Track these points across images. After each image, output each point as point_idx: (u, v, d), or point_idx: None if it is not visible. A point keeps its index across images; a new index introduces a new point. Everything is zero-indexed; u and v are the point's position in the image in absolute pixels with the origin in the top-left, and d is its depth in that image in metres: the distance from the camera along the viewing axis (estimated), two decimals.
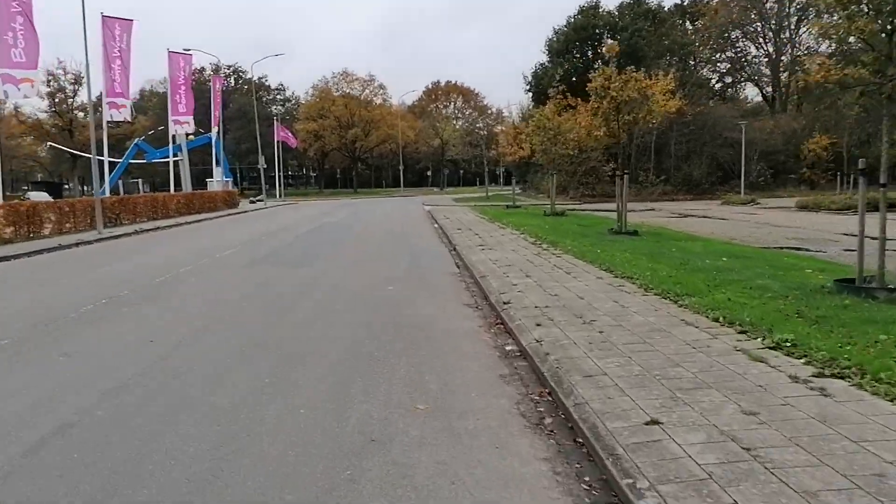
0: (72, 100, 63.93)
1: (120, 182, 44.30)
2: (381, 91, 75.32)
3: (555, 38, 45.85)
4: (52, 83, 60.97)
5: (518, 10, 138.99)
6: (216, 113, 36.00)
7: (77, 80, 62.49)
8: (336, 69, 78.58)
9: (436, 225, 19.20)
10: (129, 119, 30.33)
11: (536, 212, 25.59)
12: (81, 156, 52.31)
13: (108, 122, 31.29)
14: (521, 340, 5.96)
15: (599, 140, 17.76)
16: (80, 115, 66.50)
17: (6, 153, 55.57)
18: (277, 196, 62.35)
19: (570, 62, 44.97)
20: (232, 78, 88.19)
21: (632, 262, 10.67)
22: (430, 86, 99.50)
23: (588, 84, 16.87)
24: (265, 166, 42.26)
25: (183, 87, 35.02)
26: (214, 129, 35.50)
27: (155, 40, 66.66)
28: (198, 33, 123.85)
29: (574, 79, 45.15)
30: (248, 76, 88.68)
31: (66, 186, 67.52)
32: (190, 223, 23.78)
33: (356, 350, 5.99)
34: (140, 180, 44.53)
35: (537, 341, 5.74)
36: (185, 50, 35.57)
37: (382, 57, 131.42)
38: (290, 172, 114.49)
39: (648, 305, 7.12)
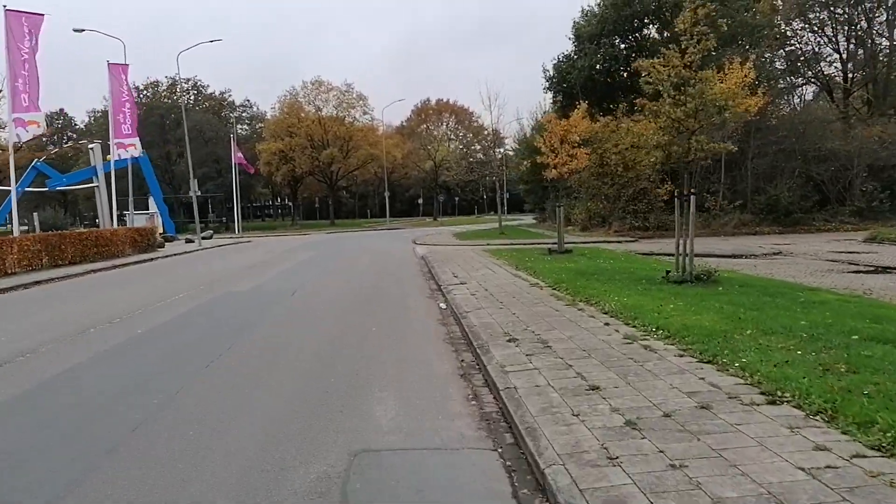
0: None
1: (26, 216, 40.98)
2: (362, 103, 72.67)
3: (584, 22, 41.96)
4: None
5: (529, 38, 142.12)
6: (130, 119, 32.60)
7: None
8: (307, 78, 75.54)
9: (442, 305, 12.15)
10: (40, 135, 27.11)
11: (632, 267, 16.03)
12: None
13: (16, 143, 28.37)
14: None
15: (652, 156, 13.93)
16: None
17: None
18: (236, 231, 59.28)
19: (606, 51, 40.79)
20: (191, 94, 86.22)
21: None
22: (419, 104, 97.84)
23: (642, 75, 13.44)
24: (198, 193, 38.95)
25: (127, 104, 32.36)
26: (130, 147, 31.97)
27: (163, 64, 64.50)
28: (208, 57, 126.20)
29: (608, 74, 41.83)
30: (210, 91, 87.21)
31: None
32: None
33: None
34: (36, 214, 41.10)
35: None
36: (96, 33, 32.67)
37: (392, 81, 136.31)
38: (265, 203, 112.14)
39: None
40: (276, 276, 18.45)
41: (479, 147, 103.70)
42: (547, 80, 45.26)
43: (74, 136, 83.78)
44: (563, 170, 21.08)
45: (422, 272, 18.96)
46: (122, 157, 32.18)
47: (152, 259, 27.78)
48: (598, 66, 41.77)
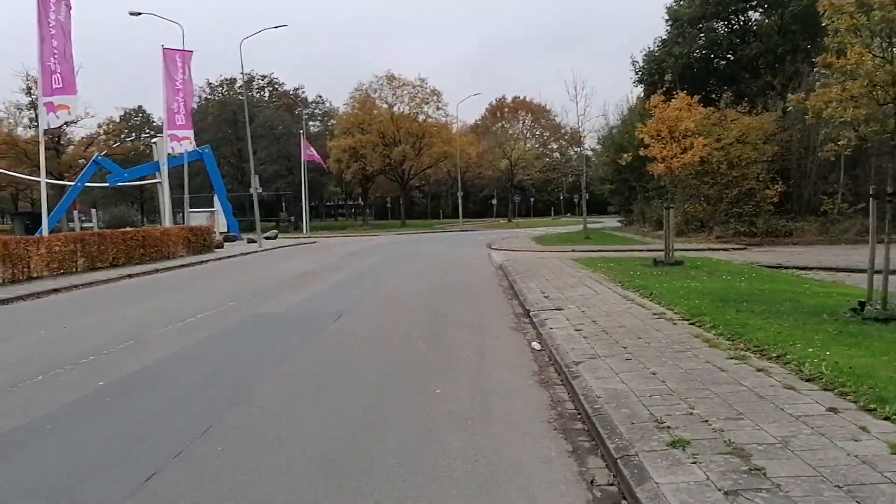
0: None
1: (70, 215, 39.61)
2: (435, 98, 69.65)
3: (684, 3, 37.29)
4: (33, 91, 58.15)
5: (606, 40, 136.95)
6: (184, 110, 30.23)
7: None
8: (379, 72, 72.88)
9: (536, 345, 8.72)
10: (72, 120, 25.19)
11: (783, 289, 12.01)
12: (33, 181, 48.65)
13: (46, 129, 26.77)
14: None
15: (843, 137, 9.40)
16: (70, 129, 63.83)
17: None
18: (304, 230, 57.19)
19: (708, 36, 36.02)
20: (266, 91, 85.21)
21: None
22: (494, 102, 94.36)
23: (825, 22, 9.46)
24: (259, 190, 36.52)
25: (181, 93, 30.09)
26: (185, 141, 29.58)
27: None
28: (288, 67, 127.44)
29: (709, 62, 37.16)
30: (285, 88, 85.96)
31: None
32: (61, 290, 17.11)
33: None
34: (95, 209, 39.68)
35: None
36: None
37: (466, 86, 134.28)
38: (337, 202, 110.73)
39: None
40: (324, 291, 15.32)
41: (556, 146, 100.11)
42: (637, 72, 40.89)
43: (151, 132, 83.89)
44: (673, 164, 17.17)
45: (501, 287, 15.51)
46: (178, 151, 29.93)
47: (202, 262, 25.29)
48: (696, 53, 37.29)
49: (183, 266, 23.80)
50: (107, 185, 39.39)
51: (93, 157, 39.14)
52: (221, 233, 41.75)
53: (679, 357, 7.07)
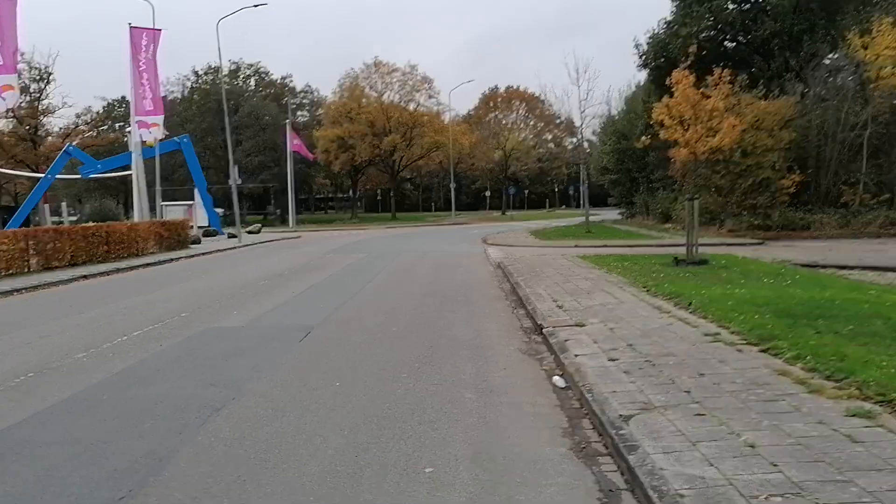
0: (37, 102, 58.27)
1: (58, 208, 37.34)
2: (426, 86, 67.39)
3: None
4: None
5: (608, 30, 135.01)
6: (151, 93, 27.79)
7: (42, 77, 56.98)
8: (368, 60, 70.49)
9: (558, 380, 6.52)
10: (12, 105, 22.89)
11: (846, 298, 9.68)
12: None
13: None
14: None
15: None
16: (48, 120, 61.13)
17: None
18: (290, 223, 54.87)
19: (717, 15, 33.50)
20: (252, 79, 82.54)
21: None
22: (487, 92, 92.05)
23: None
24: (239, 181, 34.18)
25: (146, 74, 27.57)
26: (154, 127, 27.14)
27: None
28: (288, 53, 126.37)
29: (719, 44, 34.89)
30: (272, 77, 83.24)
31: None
32: None
33: None
34: (64, 203, 37.34)
35: None
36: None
37: (464, 77, 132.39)
38: (327, 195, 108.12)
39: None
40: (296, 297, 13.12)
41: (550, 137, 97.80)
42: (640, 56, 38.54)
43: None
44: (698, 148, 15.01)
45: (502, 291, 13.37)
46: (147, 139, 27.56)
47: (172, 260, 23.04)
48: (704, 34, 35.00)
49: (149, 265, 21.54)
50: (79, 176, 37.02)
51: (63, 148, 36.74)
52: (201, 227, 39.49)
53: (773, 411, 4.93)
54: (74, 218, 45.36)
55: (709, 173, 30.34)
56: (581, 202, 37.57)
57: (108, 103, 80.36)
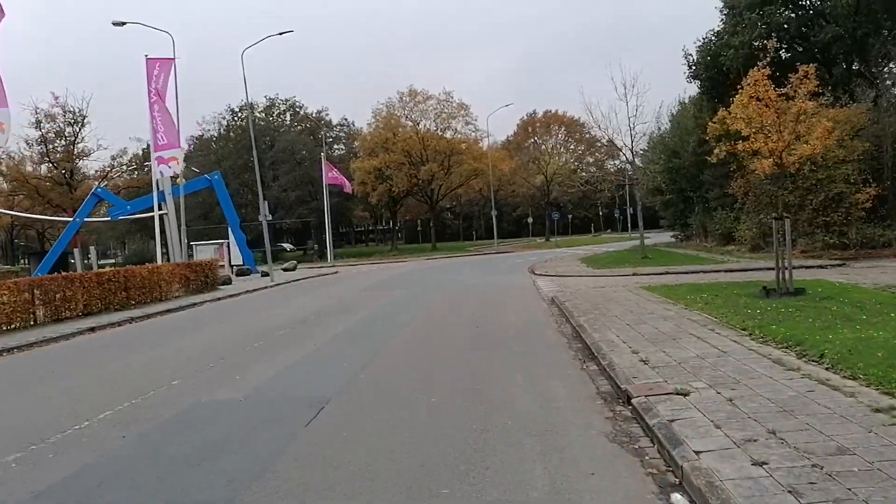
0: (72, 146, 58.20)
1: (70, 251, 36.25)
2: (463, 112, 65.80)
3: None
4: (42, 125, 55.53)
5: (655, 49, 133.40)
6: (163, 126, 26.21)
7: (77, 121, 56.93)
8: (403, 88, 69.16)
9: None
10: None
11: None
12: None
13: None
14: None
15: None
16: (84, 163, 61.01)
17: None
18: (328, 258, 53.28)
19: (771, 22, 30.67)
20: (288, 114, 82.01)
21: None
22: (525, 117, 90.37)
23: None
24: (269, 217, 32.52)
25: (157, 107, 26.19)
26: (172, 162, 25.59)
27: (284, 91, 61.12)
28: (321, 83, 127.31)
29: (774, 52, 32.19)
30: (308, 111, 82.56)
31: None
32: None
33: None
34: (93, 247, 36.19)
35: None
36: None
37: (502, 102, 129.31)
38: (367, 227, 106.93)
39: None
40: (317, 351, 11.06)
41: (591, 160, 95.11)
42: (690, 67, 36.05)
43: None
44: (786, 158, 12.64)
45: (562, 336, 11.10)
46: (167, 175, 26.12)
47: (195, 305, 21.31)
48: (757, 43, 32.40)
49: (169, 311, 19.82)
50: (108, 218, 35.96)
51: (91, 190, 35.79)
52: (236, 266, 38.09)
53: None
54: (112, 261, 44.45)
55: (774, 189, 27.61)
56: (631, 225, 34.91)
57: (148, 144, 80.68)
